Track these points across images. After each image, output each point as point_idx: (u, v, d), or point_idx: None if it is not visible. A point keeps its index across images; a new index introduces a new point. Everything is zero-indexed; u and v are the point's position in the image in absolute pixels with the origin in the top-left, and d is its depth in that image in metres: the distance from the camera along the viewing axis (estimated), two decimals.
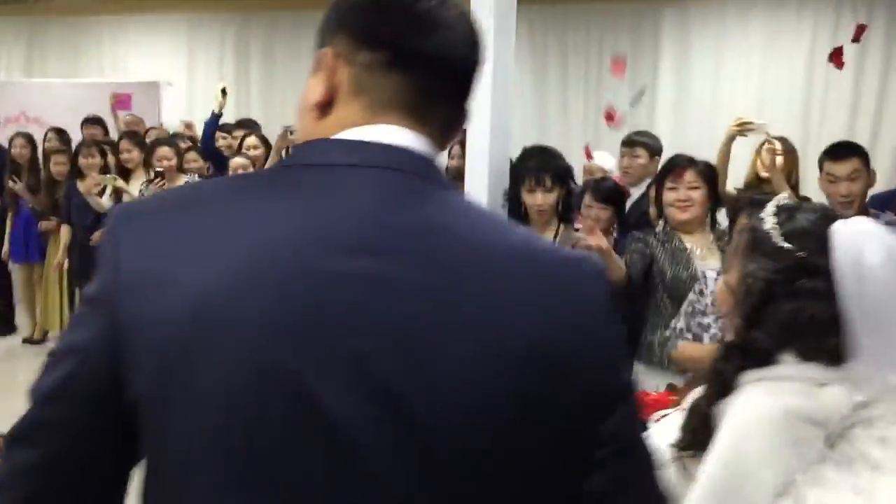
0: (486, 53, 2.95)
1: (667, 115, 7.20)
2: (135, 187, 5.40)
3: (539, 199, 3.15)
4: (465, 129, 4.07)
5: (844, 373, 1.16)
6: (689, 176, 3.06)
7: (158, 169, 5.16)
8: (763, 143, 4.03)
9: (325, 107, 0.87)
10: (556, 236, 3.23)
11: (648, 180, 4.24)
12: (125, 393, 0.80)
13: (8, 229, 6.42)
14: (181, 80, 8.47)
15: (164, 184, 5.06)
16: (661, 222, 3.14)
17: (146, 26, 9.29)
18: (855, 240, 1.17)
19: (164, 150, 5.25)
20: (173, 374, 0.77)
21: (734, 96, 6.91)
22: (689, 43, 7.21)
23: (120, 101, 7.06)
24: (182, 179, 5.15)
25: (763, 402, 1.15)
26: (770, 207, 1.30)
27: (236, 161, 5.15)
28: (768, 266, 1.24)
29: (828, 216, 1.27)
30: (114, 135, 6.62)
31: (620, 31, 7.39)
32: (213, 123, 5.79)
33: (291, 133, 4.82)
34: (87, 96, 7.54)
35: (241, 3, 8.73)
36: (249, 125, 6.43)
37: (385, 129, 0.84)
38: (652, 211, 3.39)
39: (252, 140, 5.59)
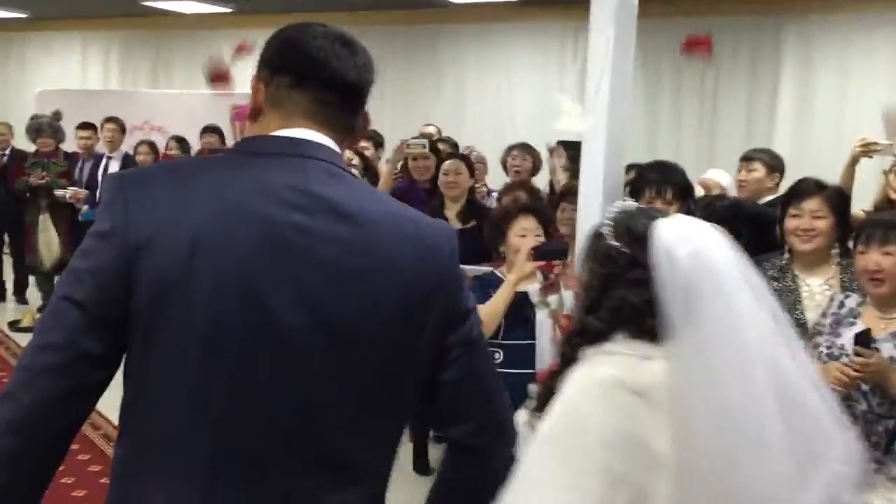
0: (605, 67, 2.86)
1: (787, 132, 6.92)
2: None
3: None
4: (577, 142, 4.01)
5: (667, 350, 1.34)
6: (814, 204, 2.85)
7: None
8: (894, 165, 3.80)
9: (255, 116, 1.26)
10: None
11: (767, 198, 4.08)
12: (130, 303, 1.10)
13: None
14: None
15: None
16: (785, 253, 2.97)
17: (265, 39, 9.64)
18: (669, 235, 1.36)
19: None
20: (172, 287, 1.09)
21: (860, 114, 6.58)
22: (811, 58, 6.93)
23: (238, 112, 7.31)
24: None
25: (592, 370, 1.38)
26: (609, 213, 1.50)
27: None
28: (605, 263, 1.46)
29: (656, 218, 1.43)
30: (231, 144, 6.87)
31: (740, 45, 7.17)
32: None
33: (409, 146, 4.86)
34: (207, 107, 7.85)
35: (356, 16, 8.94)
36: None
37: (299, 130, 1.22)
38: (780, 233, 3.23)
39: (348, 154, 5.67)
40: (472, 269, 4.09)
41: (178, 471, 1.11)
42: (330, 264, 1.12)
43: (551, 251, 3.06)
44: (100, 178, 6.81)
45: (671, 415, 1.30)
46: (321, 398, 1.12)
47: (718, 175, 4.71)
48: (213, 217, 1.10)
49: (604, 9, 3.12)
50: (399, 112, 8.28)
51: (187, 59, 10.19)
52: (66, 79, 10.67)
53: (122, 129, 7.03)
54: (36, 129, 6.99)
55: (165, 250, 1.09)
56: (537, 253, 3.01)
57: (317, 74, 1.23)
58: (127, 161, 6.83)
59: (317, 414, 1.12)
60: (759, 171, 4.26)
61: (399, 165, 5.03)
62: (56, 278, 7.09)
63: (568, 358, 1.47)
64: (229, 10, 8.82)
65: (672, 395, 1.31)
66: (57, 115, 7.21)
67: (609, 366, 1.36)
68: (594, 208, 3.19)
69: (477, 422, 1.27)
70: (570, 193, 3.59)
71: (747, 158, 4.35)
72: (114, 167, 6.82)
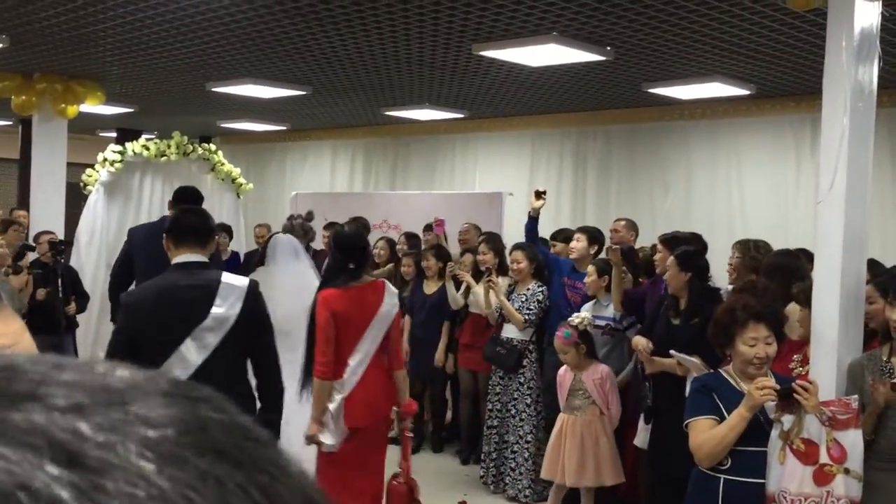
0: (840, 161, 2.76)
1: None
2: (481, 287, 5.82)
3: None
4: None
5: None
6: None
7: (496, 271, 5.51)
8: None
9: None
10: None
11: None
12: None
13: None
14: (522, 190, 8.99)
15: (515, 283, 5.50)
16: None
17: (493, 142, 10.10)
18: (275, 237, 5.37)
19: (517, 254, 5.62)
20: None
21: None
22: None
23: (439, 223, 7.60)
24: (532, 283, 5.48)
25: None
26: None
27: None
28: None
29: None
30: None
31: None
32: (531, 226, 5.94)
33: (620, 247, 5.08)
34: (437, 206, 8.32)
35: (579, 117, 9.16)
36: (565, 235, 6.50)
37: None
38: None
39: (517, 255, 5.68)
40: (685, 359, 3.94)
41: None
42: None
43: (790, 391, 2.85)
44: None
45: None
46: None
47: None
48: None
49: (836, 99, 3.00)
50: (624, 208, 8.28)
51: (422, 161, 10.91)
52: (318, 182, 11.78)
53: (366, 228, 7.56)
54: (288, 229, 7.74)
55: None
56: (780, 395, 2.81)
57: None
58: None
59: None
60: None
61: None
62: None
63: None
64: (461, 116, 9.37)
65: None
66: (309, 215, 7.95)
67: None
68: (830, 307, 3.00)
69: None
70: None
71: None
72: None
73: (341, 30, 5.64)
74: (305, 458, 3.78)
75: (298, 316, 4.11)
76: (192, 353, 3.10)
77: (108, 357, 3.17)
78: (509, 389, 5.52)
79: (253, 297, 3.24)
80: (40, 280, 6.02)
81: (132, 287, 4.53)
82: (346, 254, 3.93)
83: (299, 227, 7.70)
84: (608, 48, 5.73)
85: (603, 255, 5.50)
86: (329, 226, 7.62)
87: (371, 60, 6.66)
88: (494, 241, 6.21)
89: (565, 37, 5.40)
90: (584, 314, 4.92)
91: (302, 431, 3.84)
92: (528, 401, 5.46)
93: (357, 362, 3.84)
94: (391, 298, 3.96)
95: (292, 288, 4.48)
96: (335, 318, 3.79)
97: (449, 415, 6.71)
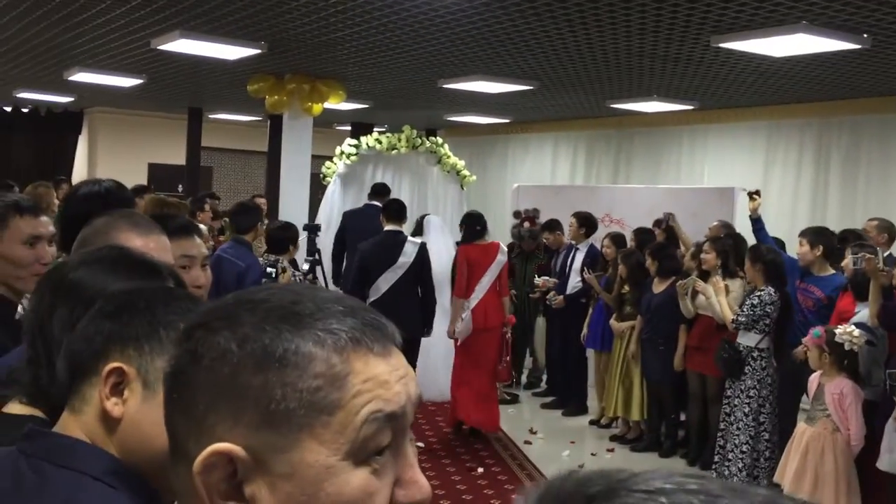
0: None
1: None
2: (709, 290, 5.60)
3: None
4: None
5: None
6: None
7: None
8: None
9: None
10: None
11: None
12: None
13: (588, 317, 7.12)
14: (756, 185, 8.50)
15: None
16: None
17: (724, 134, 9.64)
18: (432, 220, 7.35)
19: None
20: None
21: None
22: None
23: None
24: (762, 285, 5.23)
25: None
26: None
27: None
28: None
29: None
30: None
31: None
32: (757, 227, 5.69)
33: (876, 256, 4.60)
34: (664, 200, 8.08)
35: (822, 106, 8.52)
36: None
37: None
38: None
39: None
40: None
41: None
42: None
43: None
44: (567, 268, 7.34)
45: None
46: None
47: None
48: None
49: None
50: (872, 207, 7.62)
51: (645, 154, 10.64)
52: (539, 175, 11.85)
53: (582, 223, 7.39)
54: (517, 236, 7.98)
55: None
56: None
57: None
58: (593, 252, 7.25)
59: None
60: None
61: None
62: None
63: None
64: (691, 108, 9.03)
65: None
66: (535, 212, 8.10)
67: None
68: None
69: None
70: None
71: None
72: (579, 258, 7.28)
73: (574, 25, 5.63)
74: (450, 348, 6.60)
75: (443, 274, 6.64)
76: (390, 278, 5.95)
77: (352, 277, 6.13)
78: (734, 395, 5.33)
79: (421, 251, 6.03)
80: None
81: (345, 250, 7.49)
82: (475, 222, 6.39)
83: (527, 235, 7.85)
84: (865, 35, 5.29)
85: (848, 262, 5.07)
86: (547, 225, 7.67)
87: (601, 54, 6.59)
88: (718, 241, 5.97)
89: (816, 25, 5.05)
90: (850, 329, 4.54)
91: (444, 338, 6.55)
92: (746, 409, 5.22)
93: (479, 290, 6.17)
94: (502, 254, 6.29)
95: (438, 255, 6.44)
96: (468, 262, 6.19)
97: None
